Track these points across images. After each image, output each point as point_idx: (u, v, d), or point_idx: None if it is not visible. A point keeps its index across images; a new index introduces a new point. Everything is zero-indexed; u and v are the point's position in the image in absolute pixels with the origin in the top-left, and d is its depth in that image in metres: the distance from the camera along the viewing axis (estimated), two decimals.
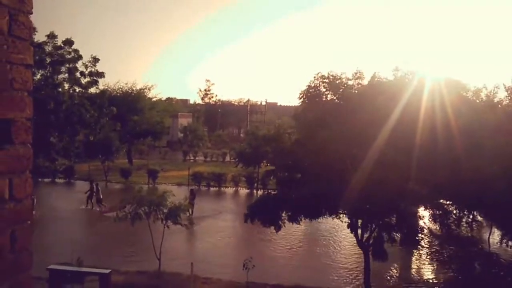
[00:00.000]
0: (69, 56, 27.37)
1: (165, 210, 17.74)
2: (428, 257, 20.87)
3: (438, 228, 19.41)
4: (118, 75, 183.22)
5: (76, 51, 27.66)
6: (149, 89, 53.95)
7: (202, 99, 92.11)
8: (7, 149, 1.49)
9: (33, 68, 1.63)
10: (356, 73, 17.06)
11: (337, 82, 16.98)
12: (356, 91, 16.98)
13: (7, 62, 1.49)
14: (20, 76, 1.54)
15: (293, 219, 16.35)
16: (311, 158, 15.99)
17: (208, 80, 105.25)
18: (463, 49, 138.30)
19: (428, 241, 21.69)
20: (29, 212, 1.60)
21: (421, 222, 16.00)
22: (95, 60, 28.29)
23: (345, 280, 18.38)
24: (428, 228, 17.49)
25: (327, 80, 17.02)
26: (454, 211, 16.80)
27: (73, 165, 37.48)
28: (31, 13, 1.58)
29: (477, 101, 18.28)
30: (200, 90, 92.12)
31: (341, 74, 17.08)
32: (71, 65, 27.48)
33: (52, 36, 26.82)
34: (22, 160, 1.55)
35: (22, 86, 1.55)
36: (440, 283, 18.32)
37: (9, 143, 1.50)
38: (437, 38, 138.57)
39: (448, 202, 16.79)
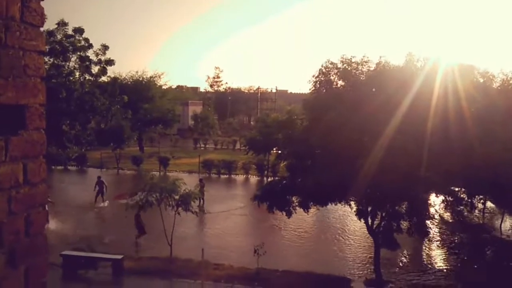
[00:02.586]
0: (79, 44, 27.35)
1: (176, 197, 17.88)
2: (439, 244, 20.82)
3: (449, 215, 19.33)
4: (127, 64, 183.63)
5: (86, 39, 27.65)
6: (159, 77, 54.08)
7: (211, 86, 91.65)
8: (21, 134, 1.52)
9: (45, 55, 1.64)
10: (367, 60, 16.88)
11: (349, 68, 16.83)
12: (367, 75, 16.82)
13: (20, 48, 1.50)
14: (33, 63, 1.56)
15: (304, 205, 16.39)
16: (320, 143, 15.90)
17: (217, 68, 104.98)
18: (478, 34, 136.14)
19: (439, 228, 21.63)
20: (44, 196, 1.63)
21: (432, 209, 15.93)
22: (105, 47, 28.30)
23: (356, 267, 18.43)
24: (440, 215, 17.40)
25: (337, 66, 16.90)
26: (466, 198, 16.67)
27: (85, 152, 37.78)
28: None
29: (493, 86, 17.99)
30: (209, 77, 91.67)
31: (351, 58, 16.94)
32: (82, 53, 27.49)
33: (62, 23, 26.70)
34: (36, 145, 1.58)
35: (35, 73, 1.57)
36: (451, 270, 18.29)
37: (23, 128, 1.53)
38: (453, 23, 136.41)
39: (459, 189, 16.67)
